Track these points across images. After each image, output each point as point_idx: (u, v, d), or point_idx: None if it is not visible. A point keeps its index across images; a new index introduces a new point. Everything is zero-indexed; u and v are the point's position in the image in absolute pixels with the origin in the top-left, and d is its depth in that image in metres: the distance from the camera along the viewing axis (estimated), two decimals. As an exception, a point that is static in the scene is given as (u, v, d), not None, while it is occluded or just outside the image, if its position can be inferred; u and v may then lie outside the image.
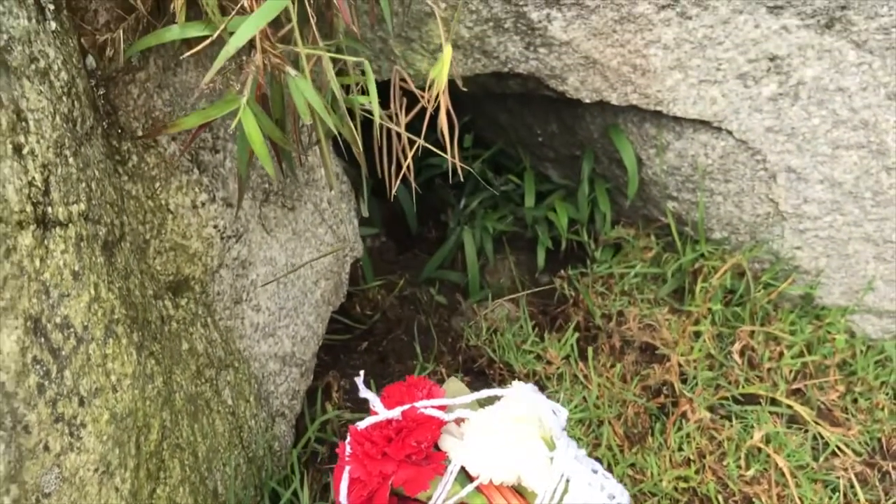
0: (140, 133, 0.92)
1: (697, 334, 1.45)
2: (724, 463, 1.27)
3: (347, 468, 0.64)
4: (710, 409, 1.37)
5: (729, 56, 1.33)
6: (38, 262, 0.63)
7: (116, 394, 0.72)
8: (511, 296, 1.61)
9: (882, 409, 1.47)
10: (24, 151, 0.63)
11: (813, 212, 1.48)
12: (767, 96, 1.37)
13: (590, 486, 0.63)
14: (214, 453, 0.93)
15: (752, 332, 1.50)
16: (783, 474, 1.26)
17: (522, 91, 1.53)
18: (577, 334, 1.46)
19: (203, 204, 0.99)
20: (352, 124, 0.93)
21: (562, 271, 1.65)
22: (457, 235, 1.75)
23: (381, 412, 0.66)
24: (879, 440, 1.44)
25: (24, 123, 0.63)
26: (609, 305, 1.53)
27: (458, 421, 0.67)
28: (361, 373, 0.77)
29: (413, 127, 1.09)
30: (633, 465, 1.24)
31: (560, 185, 1.78)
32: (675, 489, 1.22)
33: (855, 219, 1.48)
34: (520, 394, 0.68)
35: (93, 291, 0.70)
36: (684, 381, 1.40)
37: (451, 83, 1.09)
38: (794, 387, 1.46)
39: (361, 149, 0.94)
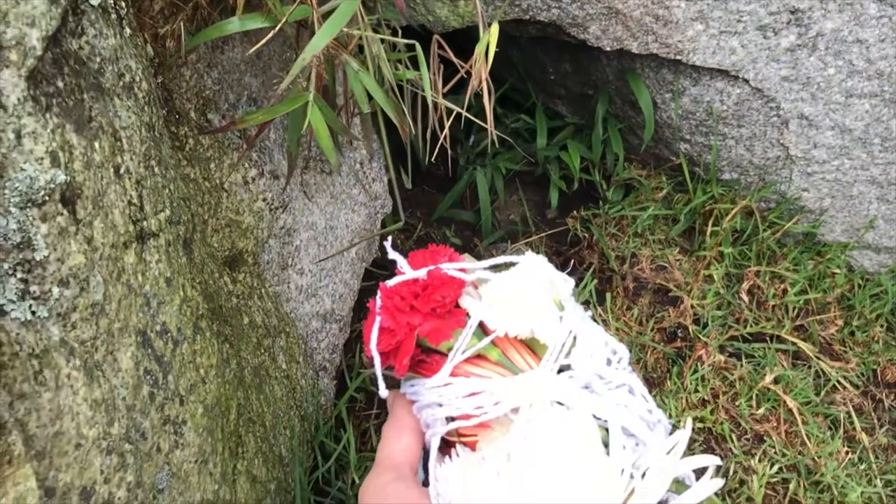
0: (192, 114, 0.93)
1: (709, 277, 1.52)
2: (737, 403, 1.35)
3: (378, 318, 0.68)
4: (721, 348, 1.44)
5: (750, 8, 1.35)
6: (140, 277, 0.66)
7: (205, 386, 0.76)
8: (527, 239, 1.66)
9: (877, 342, 1.55)
10: (122, 171, 0.65)
11: (821, 156, 1.53)
12: (786, 47, 1.39)
13: (595, 342, 0.67)
14: (277, 419, 0.98)
15: (759, 271, 1.56)
16: (791, 412, 1.35)
17: (541, 36, 1.53)
18: (594, 279, 1.51)
19: (253, 179, 1.01)
20: (401, 101, 0.95)
21: (574, 212, 1.69)
22: (468, 175, 1.78)
23: (408, 272, 0.70)
24: (874, 371, 1.53)
25: (119, 143, 0.65)
26: (623, 248, 1.58)
27: (475, 285, 0.71)
28: (389, 238, 0.81)
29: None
30: (652, 408, 1.32)
31: (570, 123, 1.80)
32: (693, 429, 1.30)
33: (862, 163, 1.52)
34: (533, 261, 0.72)
35: (182, 293, 0.74)
36: (697, 323, 1.47)
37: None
38: (798, 323, 1.53)
39: (411, 128, 0.96)
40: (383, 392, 0.69)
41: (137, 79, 0.71)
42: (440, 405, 0.66)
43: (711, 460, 0.61)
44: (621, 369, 0.68)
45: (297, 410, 1.06)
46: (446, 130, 1.15)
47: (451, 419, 0.66)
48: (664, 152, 1.66)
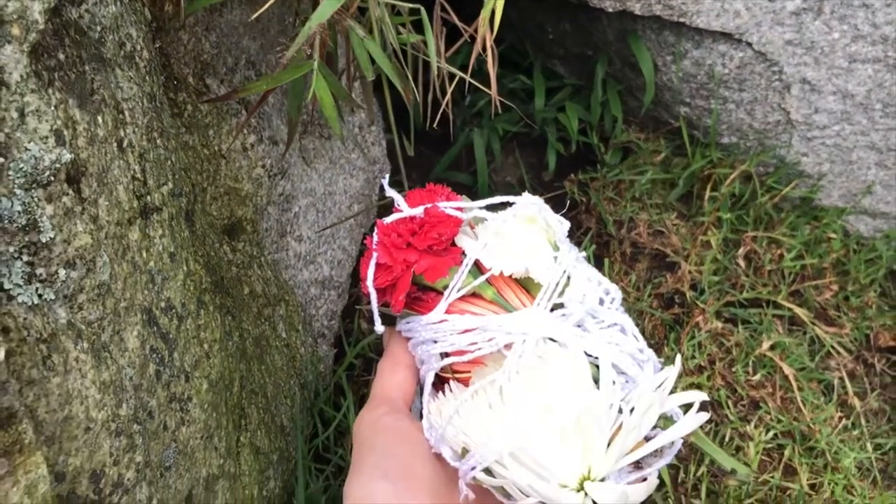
0: (190, 79, 0.91)
1: (707, 243, 1.51)
2: (734, 369, 1.35)
3: (375, 255, 0.69)
4: (718, 314, 1.45)
5: (757, -30, 1.32)
6: (144, 254, 0.65)
7: (210, 361, 0.75)
8: (525, 202, 1.64)
9: (871, 307, 1.56)
10: (125, 145, 0.63)
11: (822, 121, 1.52)
12: (791, 10, 1.37)
13: (588, 282, 0.69)
14: (278, 389, 0.98)
15: (756, 236, 1.55)
16: (787, 379, 1.35)
17: (541, -5, 1.51)
18: (592, 245, 1.50)
19: (252, 146, 0.99)
20: (404, 67, 0.93)
21: (571, 175, 1.67)
22: (465, 136, 1.76)
23: (405, 210, 0.71)
24: (867, 335, 1.54)
25: (122, 116, 0.63)
26: (620, 212, 1.57)
27: (472, 225, 0.73)
28: (387, 176, 0.80)
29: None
30: (650, 375, 1.32)
31: (568, 84, 1.77)
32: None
33: (862, 128, 1.51)
34: (529, 201, 0.74)
35: (185, 267, 0.72)
36: (694, 289, 1.47)
37: None
38: (794, 288, 1.53)
39: (416, 95, 0.94)
40: (379, 328, 0.72)
41: (138, 48, 0.69)
42: (435, 341, 0.68)
43: (698, 395, 0.63)
44: (613, 309, 0.70)
45: (298, 379, 1.06)
46: (448, 96, 1.13)
47: (445, 355, 0.68)
48: (663, 115, 1.65)
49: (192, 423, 0.70)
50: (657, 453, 0.63)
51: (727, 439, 1.26)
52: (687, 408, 0.65)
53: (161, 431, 0.66)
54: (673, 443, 0.63)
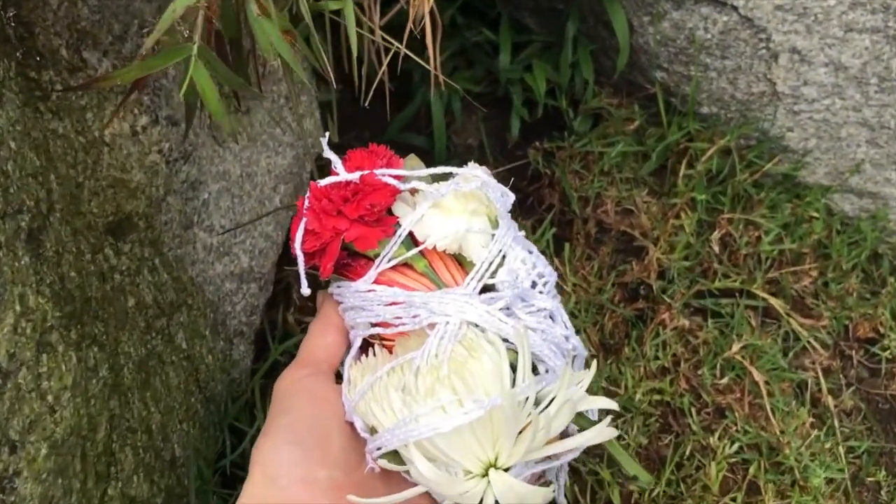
0: (63, 52, 0.76)
1: (679, 227, 1.38)
2: (699, 372, 1.24)
3: (304, 219, 0.69)
4: (686, 305, 1.32)
5: (748, -74, 1.16)
6: (-54, 306, 0.51)
7: (55, 415, 0.62)
8: (483, 174, 1.50)
9: (852, 295, 1.44)
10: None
11: (811, 94, 1.38)
12: (783, -28, 1.22)
13: (523, 263, 0.69)
14: (170, 414, 0.85)
15: (732, 218, 1.43)
16: (756, 384, 1.24)
17: (505, -57, 1.34)
18: (553, 229, 1.37)
19: (144, 128, 0.84)
20: (322, 49, 0.77)
21: (536, 142, 1.53)
22: (422, 94, 1.60)
23: (341, 174, 0.70)
24: (846, 326, 1.43)
25: None
26: (587, 187, 1.43)
27: (413, 192, 0.72)
28: (327, 134, 0.77)
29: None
30: (608, 378, 1.20)
31: (537, 39, 1.61)
32: (650, 403, 1.19)
33: (855, 104, 1.38)
34: (472, 172, 0.73)
35: (18, 307, 0.58)
36: (662, 277, 1.34)
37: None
38: (770, 276, 1.41)
39: (334, 83, 0.79)
40: (305, 290, 0.70)
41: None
42: (363, 309, 0.68)
43: (608, 403, 0.65)
44: (546, 293, 0.70)
45: (201, 393, 0.93)
46: (384, 67, 0.99)
47: (372, 324, 0.69)
48: (638, 79, 1.50)
49: (20, 502, 0.57)
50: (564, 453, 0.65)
51: (688, 454, 1.15)
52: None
53: (-29, 525, 0.53)
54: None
